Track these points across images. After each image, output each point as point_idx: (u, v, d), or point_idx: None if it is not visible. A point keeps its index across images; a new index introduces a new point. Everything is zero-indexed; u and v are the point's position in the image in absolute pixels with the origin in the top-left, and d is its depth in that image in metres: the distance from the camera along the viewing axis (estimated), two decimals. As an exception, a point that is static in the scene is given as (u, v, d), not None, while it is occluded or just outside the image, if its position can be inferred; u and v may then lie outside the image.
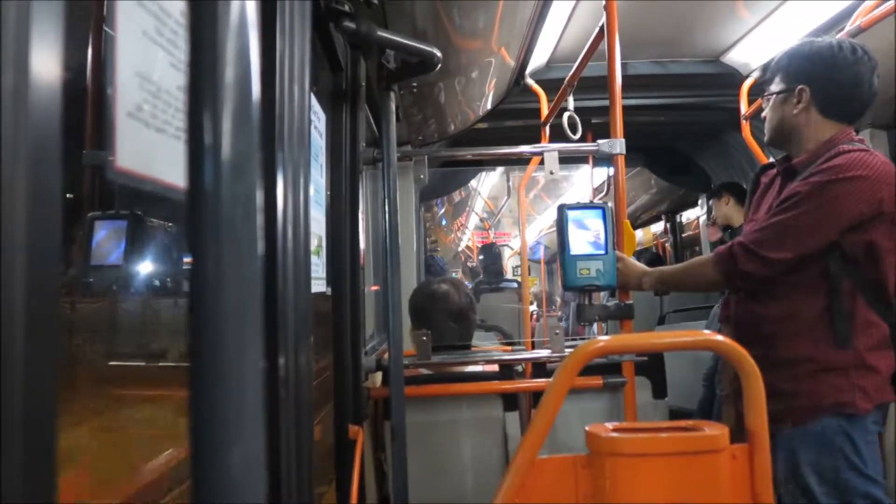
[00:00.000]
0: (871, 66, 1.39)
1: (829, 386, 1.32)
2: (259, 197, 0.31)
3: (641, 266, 1.61)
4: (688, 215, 4.98)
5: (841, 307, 1.33)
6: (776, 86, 1.50)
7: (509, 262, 8.23)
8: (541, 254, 8.64)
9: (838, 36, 1.79)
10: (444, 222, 7.88)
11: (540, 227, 8.66)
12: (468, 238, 10.26)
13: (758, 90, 2.48)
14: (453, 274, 8.74)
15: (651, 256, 5.64)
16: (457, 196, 6.54)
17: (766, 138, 1.57)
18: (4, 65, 0.33)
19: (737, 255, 1.40)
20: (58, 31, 0.38)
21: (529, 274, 4.47)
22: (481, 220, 9.11)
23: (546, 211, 7.64)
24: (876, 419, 1.34)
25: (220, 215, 0.29)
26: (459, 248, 10.75)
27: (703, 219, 3.90)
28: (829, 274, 1.34)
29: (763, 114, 1.57)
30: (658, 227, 5.99)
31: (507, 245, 9.67)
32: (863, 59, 1.39)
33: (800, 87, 1.44)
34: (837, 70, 1.40)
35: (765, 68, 2.49)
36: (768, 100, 1.53)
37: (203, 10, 0.30)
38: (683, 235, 5.13)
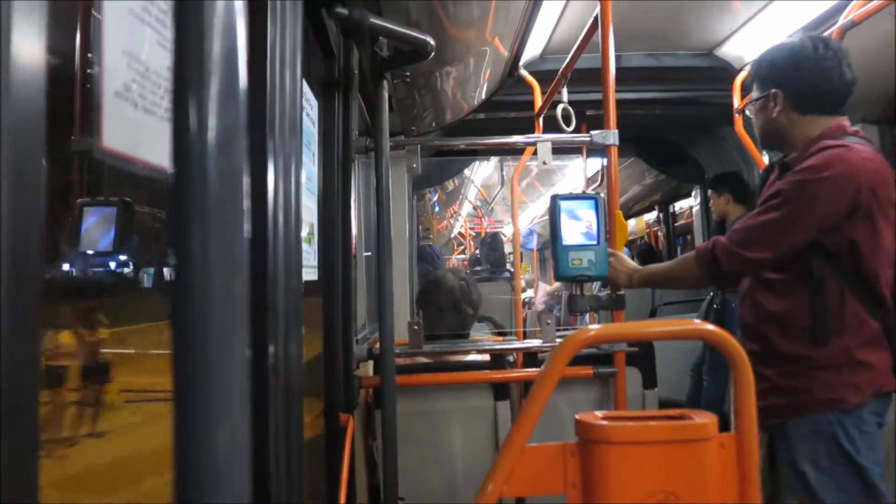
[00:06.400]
0: (837, 58, 1.42)
1: (823, 383, 1.36)
2: (248, 183, 0.31)
3: (632, 264, 1.63)
4: (681, 205, 5.00)
5: (822, 306, 1.35)
6: (755, 93, 1.56)
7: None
8: (534, 242, 8.66)
9: (829, 31, 1.80)
10: (437, 209, 7.86)
11: (532, 214, 8.69)
12: (461, 225, 10.29)
13: (750, 84, 2.48)
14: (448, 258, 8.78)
15: (643, 247, 5.66)
16: (450, 185, 6.53)
17: (758, 144, 1.69)
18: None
19: (719, 258, 1.44)
20: (41, 14, 0.37)
21: (522, 262, 4.47)
22: (474, 207, 9.13)
23: (539, 199, 7.67)
24: (873, 409, 1.36)
25: (207, 193, 0.29)
26: (451, 235, 10.78)
27: (696, 209, 3.92)
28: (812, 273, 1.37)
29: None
30: (651, 215, 6.01)
31: (500, 231, 9.72)
32: (826, 53, 1.42)
33: (772, 91, 1.48)
34: (801, 68, 1.44)
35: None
36: (752, 108, 1.59)
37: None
38: (676, 224, 5.15)
